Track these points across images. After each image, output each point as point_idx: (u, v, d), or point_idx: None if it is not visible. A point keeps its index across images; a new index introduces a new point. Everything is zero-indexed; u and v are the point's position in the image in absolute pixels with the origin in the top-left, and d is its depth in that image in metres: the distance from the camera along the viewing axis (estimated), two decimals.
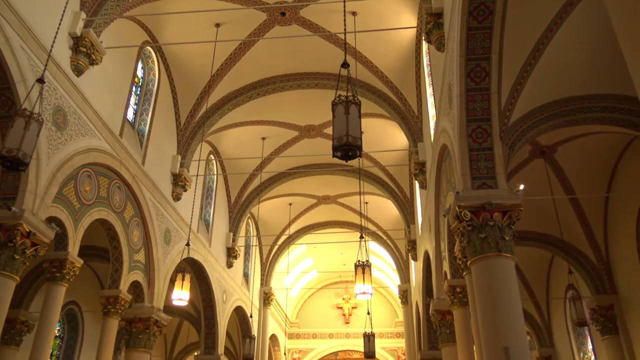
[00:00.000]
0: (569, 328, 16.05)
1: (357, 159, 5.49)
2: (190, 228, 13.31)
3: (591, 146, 11.01)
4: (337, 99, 5.35)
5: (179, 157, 14.54)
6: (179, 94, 14.52)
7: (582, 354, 15.64)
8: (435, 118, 11.61)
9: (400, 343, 27.53)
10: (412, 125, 14.63)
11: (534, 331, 17.45)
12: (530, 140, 8.53)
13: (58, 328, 14.76)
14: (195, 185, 14.89)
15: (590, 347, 15.10)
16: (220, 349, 17.42)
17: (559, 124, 8.48)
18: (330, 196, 22.27)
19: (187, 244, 11.46)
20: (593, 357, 14.92)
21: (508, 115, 7.90)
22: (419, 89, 14.21)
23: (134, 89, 12.63)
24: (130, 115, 12.58)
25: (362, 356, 21.01)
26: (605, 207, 12.50)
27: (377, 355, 20.97)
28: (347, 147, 5.12)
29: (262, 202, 20.43)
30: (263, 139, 17.90)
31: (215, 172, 18.35)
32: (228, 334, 20.02)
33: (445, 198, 10.38)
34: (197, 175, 15.29)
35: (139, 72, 13.05)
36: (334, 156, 5.24)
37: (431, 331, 15.16)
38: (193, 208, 13.65)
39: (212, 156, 17.98)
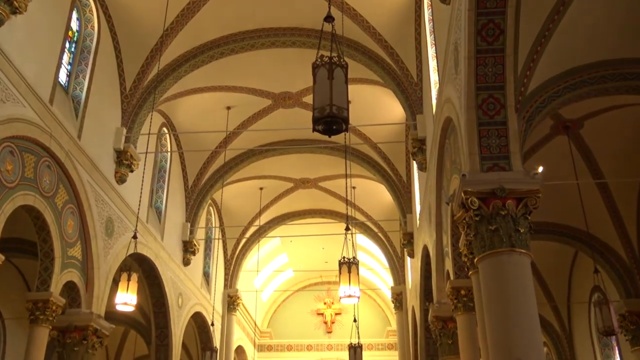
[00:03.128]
0: (593, 338, 16.41)
1: (342, 133, 5.49)
2: (137, 217, 13.24)
3: (624, 121, 11.15)
4: (319, 60, 5.32)
5: (124, 130, 14.39)
6: (124, 52, 14.32)
7: None
8: (438, 85, 11.64)
9: (393, 356, 27.86)
10: (410, 93, 14.64)
11: (552, 341, 17.82)
12: (551, 113, 8.62)
13: None
14: (144, 165, 14.78)
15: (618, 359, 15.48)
16: None
17: (586, 93, 8.56)
18: (309, 179, 22.27)
19: (134, 237, 11.38)
20: None
21: (526, 82, 7.95)
22: (418, 50, 14.20)
23: (67, 44, 12.42)
24: (62, 77, 12.39)
25: None
26: (639, 194, 12.72)
27: None
28: (331, 120, 5.12)
29: (226, 185, 20.38)
30: (228, 108, 17.80)
31: (169, 149, 18.22)
32: (184, 346, 20.05)
33: (449, 182, 10.46)
34: (146, 153, 15.17)
35: (74, 24, 12.84)
36: (314, 130, 5.23)
37: (430, 342, 15.36)
38: (141, 193, 13.53)
39: (165, 129, 17.84)
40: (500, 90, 7.70)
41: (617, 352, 15.41)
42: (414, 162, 15.62)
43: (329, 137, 5.32)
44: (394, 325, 26.76)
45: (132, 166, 14.47)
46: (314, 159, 20.75)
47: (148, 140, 15.23)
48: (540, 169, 8.14)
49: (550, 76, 8.34)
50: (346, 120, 5.16)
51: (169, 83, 15.29)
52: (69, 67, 12.73)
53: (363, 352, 16.81)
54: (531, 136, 8.81)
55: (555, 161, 11.80)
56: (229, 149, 19.12)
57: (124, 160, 14.19)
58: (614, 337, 14.50)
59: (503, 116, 7.72)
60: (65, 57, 12.52)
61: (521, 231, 7.33)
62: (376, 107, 17.56)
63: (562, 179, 11.80)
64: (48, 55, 11.41)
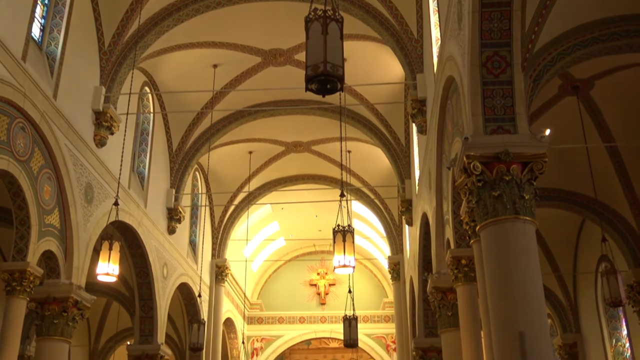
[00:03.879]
0: (599, 309, 16.65)
1: (337, 93, 5.46)
2: (119, 183, 13.22)
3: (638, 81, 11.13)
4: (312, 14, 5.26)
5: (103, 89, 14.29)
6: (102, 5, 14.13)
7: (614, 340, 16.30)
8: (439, 42, 11.55)
9: (390, 329, 28.26)
10: (410, 51, 14.55)
11: (557, 313, 18.07)
12: (560, 72, 8.59)
13: None
14: (126, 127, 14.67)
15: (624, 332, 15.73)
16: (161, 337, 17.64)
17: (597, 51, 8.52)
18: (302, 143, 22.24)
19: (116, 204, 11.37)
20: (628, 345, 15.57)
21: (533, 39, 7.90)
22: (419, 4, 14.06)
23: None
24: (36, 32, 12.24)
25: (342, 345, 21.49)
26: None
27: (359, 344, 21.43)
28: (325, 78, 5.09)
29: (213, 149, 20.33)
30: (214, 66, 17.66)
31: (152, 110, 18.11)
32: (170, 318, 20.22)
33: (451, 146, 10.46)
34: (127, 114, 15.03)
35: None
36: (307, 89, 5.20)
37: (428, 314, 15.56)
38: (122, 156, 13.47)
39: (147, 88, 17.71)
40: (506, 47, 7.67)
41: (624, 323, 15.66)
42: (414, 124, 15.61)
43: (323, 97, 5.30)
44: (390, 297, 27.04)
45: (112, 128, 14.38)
46: (306, 121, 20.68)
47: (129, 100, 15.08)
48: (547, 131, 8.16)
49: (559, 33, 8.29)
50: (341, 79, 5.13)
51: (151, 39, 15.13)
52: (42, 21, 12.54)
53: (358, 325, 17.00)
54: (538, 97, 8.80)
55: (563, 124, 11.81)
56: (216, 110, 19.02)
57: (103, 122, 14.11)
58: (621, 308, 14.70)
59: (509, 75, 7.70)
60: (39, 10, 12.34)
61: (526, 197, 7.37)
62: (373, 66, 17.45)
63: (570, 143, 11.82)
64: (19, 7, 11.22)
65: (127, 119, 15.06)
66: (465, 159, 7.58)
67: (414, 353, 16.13)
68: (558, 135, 11.18)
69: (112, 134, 14.41)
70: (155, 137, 18.26)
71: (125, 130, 14.27)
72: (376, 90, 18.16)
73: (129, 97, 14.70)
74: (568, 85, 11.39)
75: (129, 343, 18.34)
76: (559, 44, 8.32)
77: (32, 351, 17.82)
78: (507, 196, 7.32)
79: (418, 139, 16.60)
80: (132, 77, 13.59)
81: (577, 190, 14.06)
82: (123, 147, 13.80)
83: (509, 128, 7.66)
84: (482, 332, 9.85)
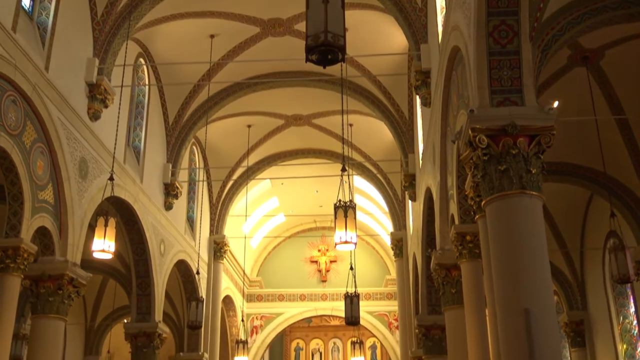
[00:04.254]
0: (607, 286, 16.76)
1: (338, 64, 5.45)
2: (114, 157, 13.21)
3: None
4: None
5: (96, 61, 14.20)
6: None
7: (621, 317, 16.42)
8: (444, 11, 11.48)
9: (392, 306, 28.46)
10: (414, 20, 14.47)
11: (563, 290, 18.20)
12: (569, 41, 8.53)
13: None
14: (120, 100, 14.68)
15: (632, 309, 15.84)
16: (158, 315, 17.79)
17: (608, 20, 8.47)
18: (302, 116, 22.20)
19: (111, 179, 11.40)
20: (635, 322, 15.69)
21: (542, 7, 7.85)
22: None
23: None
24: (26, 1, 12.14)
25: (343, 323, 21.65)
26: None
27: (361, 322, 21.62)
28: (326, 48, 5.07)
29: (210, 123, 20.30)
30: (211, 37, 17.57)
31: (147, 82, 18.05)
32: (168, 296, 20.35)
33: (456, 118, 10.44)
34: (121, 86, 15.05)
35: None
36: (307, 60, 5.19)
37: (432, 291, 15.66)
38: (117, 130, 13.46)
39: (141, 60, 17.63)
40: (513, 16, 7.62)
41: (632, 300, 15.76)
42: (417, 96, 15.55)
43: (324, 68, 5.29)
44: (393, 274, 27.24)
45: (107, 101, 14.34)
46: (307, 93, 20.62)
47: (123, 72, 15.07)
48: (556, 103, 8.15)
49: (568, 0, 8.23)
50: (342, 49, 5.12)
51: (145, 8, 15.01)
52: None
53: (360, 302, 17.11)
54: (546, 68, 8.76)
55: (572, 95, 11.78)
56: (213, 82, 18.96)
57: (97, 95, 14.06)
58: (629, 285, 14.79)
59: (516, 45, 7.67)
60: None
61: (533, 172, 7.38)
62: (376, 36, 17.35)
63: (579, 115, 11.80)
64: None
65: (121, 91, 15.07)
66: (470, 132, 7.57)
67: (416, 331, 16.26)
68: (567, 107, 11.17)
69: (106, 107, 14.37)
70: (150, 111, 18.22)
71: (119, 104, 14.27)
72: (379, 61, 18.07)
73: (124, 68, 14.67)
74: (577, 55, 11.34)
75: (125, 321, 18.51)
76: (568, 12, 8.26)
77: (27, 329, 17.96)
78: (514, 170, 7.33)
79: (422, 111, 16.57)
80: (126, 48, 13.55)
81: (585, 164, 14.07)
82: (118, 121, 13.79)
83: (516, 100, 7.64)
84: (486, 310, 9.93)
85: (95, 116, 14.10)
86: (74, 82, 13.50)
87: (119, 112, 13.91)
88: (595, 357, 17.41)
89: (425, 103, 14.18)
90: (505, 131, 7.43)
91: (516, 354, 6.87)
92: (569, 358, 18.96)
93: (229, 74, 19.07)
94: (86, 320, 23.66)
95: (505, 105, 7.63)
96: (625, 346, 16.12)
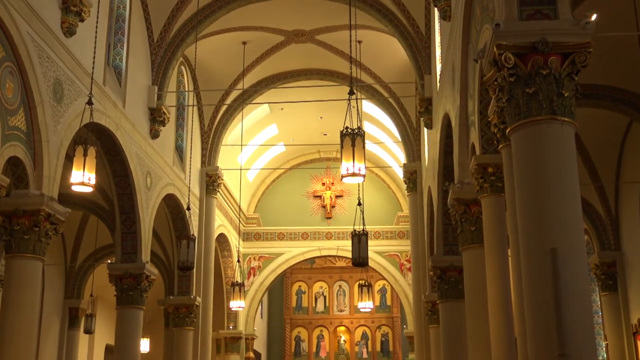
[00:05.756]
0: None
1: None
2: (92, 78, 13.13)
3: None
4: None
5: None
6: None
7: None
8: None
9: (404, 246, 28.74)
10: None
11: (595, 229, 18.32)
12: None
13: None
14: (98, 12, 14.49)
15: None
16: (145, 255, 18.00)
17: None
18: (305, 31, 21.97)
19: (89, 103, 11.36)
20: None
21: None
22: None
23: None
24: None
25: (349, 264, 21.91)
26: None
27: (370, 263, 21.88)
28: None
29: (200, 39, 20.09)
30: None
31: None
32: (156, 234, 20.56)
33: (479, 34, 10.32)
34: None
35: None
36: None
37: (449, 229, 15.80)
38: (95, 47, 13.32)
39: None
40: None
41: None
42: (435, 9, 15.35)
43: None
44: (405, 210, 27.39)
45: (82, 13, 14.12)
46: (310, 5, 20.39)
47: None
48: (594, 16, 8.00)
49: None
50: None
51: None
52: None
53: (369, 241, 17.26)
54: None
55: (612, 8, 11.58)
56: None
57: (71, 6, 13.84)
58: None
59: None
60: None
61: (565, 95, 7.33)
62: None
63: (619, 30, 11.63)
64: None
65: (99, 1, 14.86)
66: (495, 49, 7.50)
67: (431, 273, 16.47)
68: (605, 21, 10.97)
69: (82, 20, 14.17)
70: (133, 25, 18.00)
71: (97, 16, 14.09)
72: None
73: None
74: None
75: (109, 262, 18.71)
76: None
77: (1, 270, 18.27)
78: (544, 93, 7.28)
79: (440, 26, 16.36)
80: None
81: (624, 87, 13.97)
82: (96, 36, 13.65)
83: (548, 13, 7.53)
84: (508, 250, 10.03)
85: (70, 31, 13.93)
86: None
87: (96, 26, 13.74)
88: (627, 303, 17.65)
89: (445, 16, 14.01)
90: (535, 48, 7.35)
91: (541, 298, 6.95)
92: (599, 303, 19.26)
93: None
94: (66, 260, 23.99)
95: (535, 19, 7.53)
96: None
